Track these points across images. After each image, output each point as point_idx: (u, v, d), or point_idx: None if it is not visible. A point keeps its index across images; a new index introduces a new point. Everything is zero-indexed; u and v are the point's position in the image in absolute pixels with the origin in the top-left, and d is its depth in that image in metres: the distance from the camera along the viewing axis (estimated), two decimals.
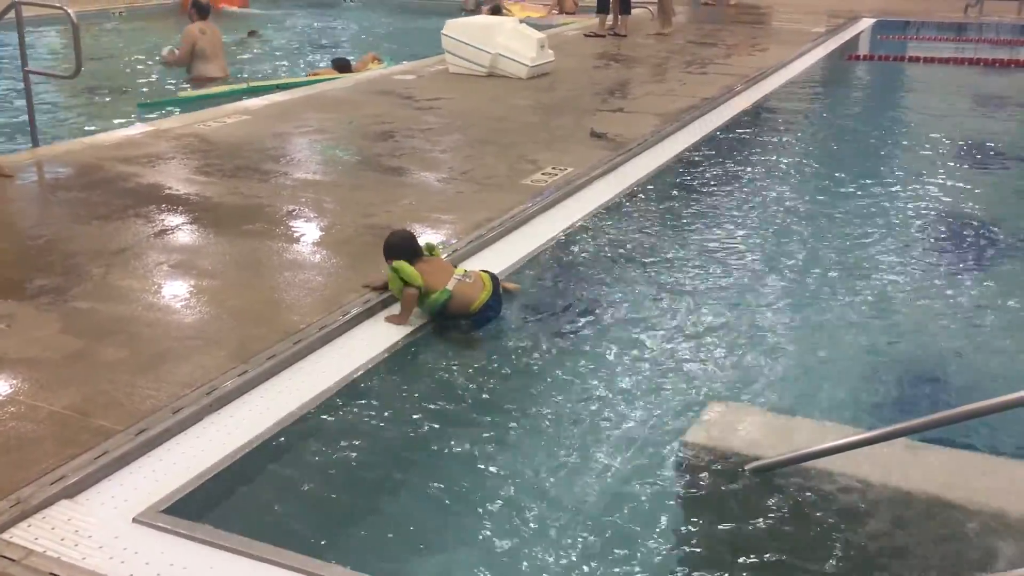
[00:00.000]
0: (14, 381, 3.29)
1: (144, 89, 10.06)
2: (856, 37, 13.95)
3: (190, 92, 9.46)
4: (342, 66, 10.50)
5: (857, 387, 3.64)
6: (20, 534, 2.54)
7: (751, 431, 2.90)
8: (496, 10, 14.09)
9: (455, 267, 4.12)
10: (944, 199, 6.05)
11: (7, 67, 10.96)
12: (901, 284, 4.63)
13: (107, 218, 5.03)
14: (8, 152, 6.94)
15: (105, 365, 3.42)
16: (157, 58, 11.07)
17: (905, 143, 7.80)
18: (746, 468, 2.75)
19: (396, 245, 4.11)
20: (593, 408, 3.41)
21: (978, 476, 2.63)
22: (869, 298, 4.44)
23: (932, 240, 5.34)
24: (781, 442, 2.80)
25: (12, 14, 6.36)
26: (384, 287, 4.10)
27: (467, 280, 4.00)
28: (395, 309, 4.02)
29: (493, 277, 4.10)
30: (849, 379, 3.69)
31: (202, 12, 10.22)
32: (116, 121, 8.29)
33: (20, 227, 4.93)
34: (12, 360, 3.44)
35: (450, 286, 3.94)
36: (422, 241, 4.24)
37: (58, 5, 6.04)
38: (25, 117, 6.82)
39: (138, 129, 7.18)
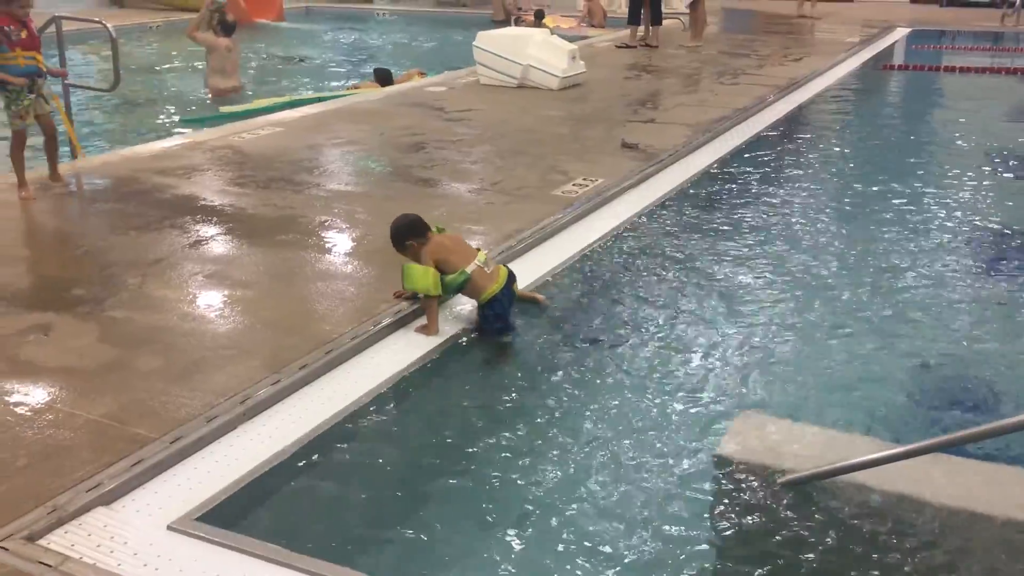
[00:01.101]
0: (52, 389, 3.34)
1: (184, 104, 10.19)
2: (891, 47, 13.84)
3: (233, 108, 9.54)
4: (384, 77, 10.52)
5: (892, 400, 3.59)
6: (57, 540, 2.57)
7: (783, 444, 2.87)
8: (540, 14, 14.23)
9: (479, 251, 4.12)
10: (982, 209, 5.98)
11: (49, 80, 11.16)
12: (936, 296, 4.57)
13: (143, 229, 5.11)
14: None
15: (141, 374, 3.46)
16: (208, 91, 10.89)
17: (941, 153, 7.70)
18: (779, 481, 2.73)
19: (402, 230, 4.04)
20: (623, 420, 3.39)
21: (1016, 490, 2.58)
22: (904, 310, 4.39)
23: (968, 251, 5.27)
24: (814, 455, 2.77)
25: (52, 28, 6.50)
26: (415, 296, 4.12)
27: (486, 269, 4.03)
28: (425, 320, 4.03)
29: (510, 274, 4.12)
30: (884, 392, 3.65)
31: (227, 30, 10.32)
32: (153, 133, 8.41)
33: (59, 238, 5.01)
34: (51, 369, 3.49)
35: (468, 268, 3.97)
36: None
37: (97, 19, 6.15)
38: (64, 129, 6.94)
39: (174, 141, 7.29)
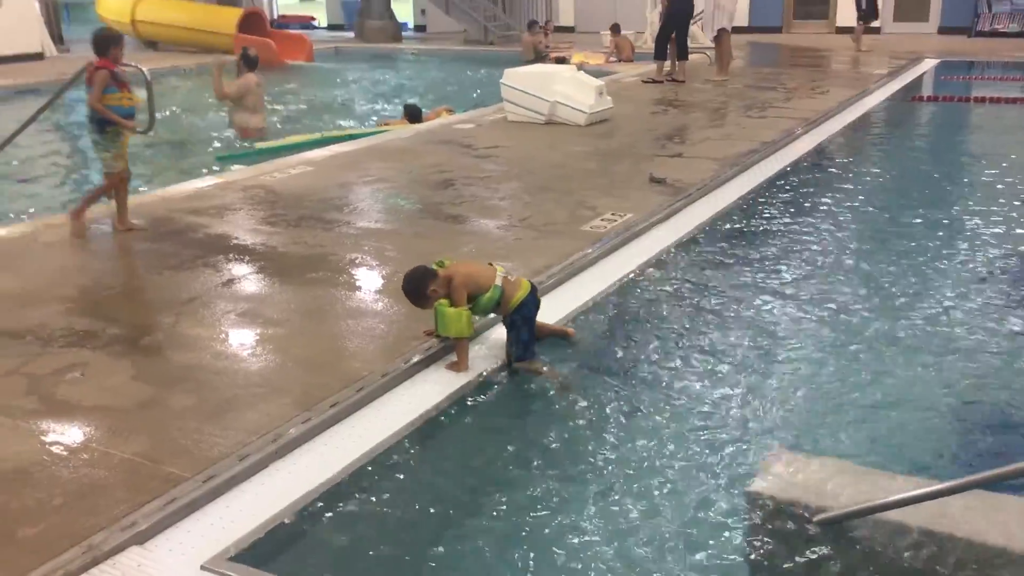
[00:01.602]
0: (88, 428, 3.38)
1: (217, 144, 10.36)
2: (919, 78, 13.79)
3: (266, 144, 9.67)
4: (413, 113, 10.61)
5: (929, 435, 3.54)
6: None
7: (817, 481, 2.84)
8: (562, 60, 14.31)
9: (496, 266, 4.18)
10: (1017, 240, 5.90)
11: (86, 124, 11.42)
12: (972, 329, 4.51)
13: (177, 268, 5.18)
14: None
15: (174, 412, 3.50)
16: (209, 64, 10.80)
17: (973, 184, 7.64)
18: (813, 519, 2.69)
19: (418, 283, 4.01)
20: (652, 458, 3.37)
21: None
22: (940, 342, 4.33)
23: (1004, 282, 5.21)
24: (849, 492, 2.73)
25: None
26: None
27: (510, 278, 4.14)
28: (455, 356, 4.04)
29: (532, 283, 4.21)
30: (920, 427, 3.60)
31: (250, 64, 10.22)
32: (188, 173, 8.55)
33: (95, 277, 5.09)
34: (86, 407, 3.54)
35: (498, 282, 4.05)
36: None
37: (133, 64, 6.28)
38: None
39: (208, 181, 7.40)
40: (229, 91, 10.04)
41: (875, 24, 16.42)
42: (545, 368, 4.05)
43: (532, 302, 4.12)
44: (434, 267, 4.07)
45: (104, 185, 5.85)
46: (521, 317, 4.07)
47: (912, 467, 3.21)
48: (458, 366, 3.98)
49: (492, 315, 4.23)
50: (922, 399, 3.81)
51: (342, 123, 11.70)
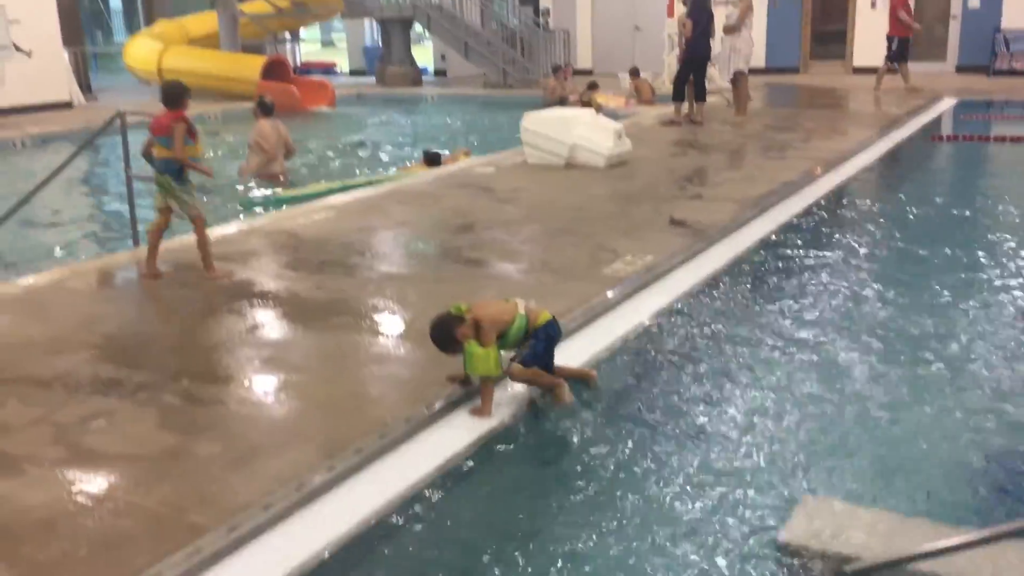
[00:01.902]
0: (113, 477, 3.39)
1: (239, 187, 10.48)
2: (938, 118, 13.78)
3: (290, 192, 9.77)
4: (433, 158, 10.72)
5: (961, 483, 3.49)
6: None
7: (848, 529, 2.80)
8: (587, 103, 14.47)
9: (513, 300, 4.26)
10: None
11: (113, 172, 11.63)
12: (1002, 373, 4.45)
13: (202, 314, 5.22)
14: (111, 252, 7.30)
15: (199, 461, 3.51)
16: (238, 173, 11.14)
17: (998, 224, 7.58)
18: (846, 569, 2.65)
19: (446, 328, 4.05)
20: (679, 505, 3.34)
21: None
22: (970, 387, 4.28)
23: None
24: (882, 542, 2.69)
25: (117, 122, 6.77)
26: (467, 378, 4.14)
27: (531, 306, 4.25)
28: (478, 402, 4.03)
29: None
30: (952, 474, 3.54)
31: (266, 111, 10.37)
32: (213, 220, 8.63)
33: (120, 324, 5.14)
34: (111, 456, 3.55)
35: (521, 311, 4.14)
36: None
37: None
38: (128, 218, 7.17)
39: (232, 227, 7.48)
40: (253, 160, 10.35)
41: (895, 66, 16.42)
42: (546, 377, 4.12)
43: (554, 327, 4.23)
44: (455, 311, 4.08)
45: (200, 229, 5.90)
46: (545, 333, 4.16)
47: (944, 516, 3.16)
48: (482, 411, 3.97)
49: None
50: (953, 445, 3.76)
51: (366, 168, 11.81)
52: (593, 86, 15.56)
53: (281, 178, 10.40)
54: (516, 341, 4.13)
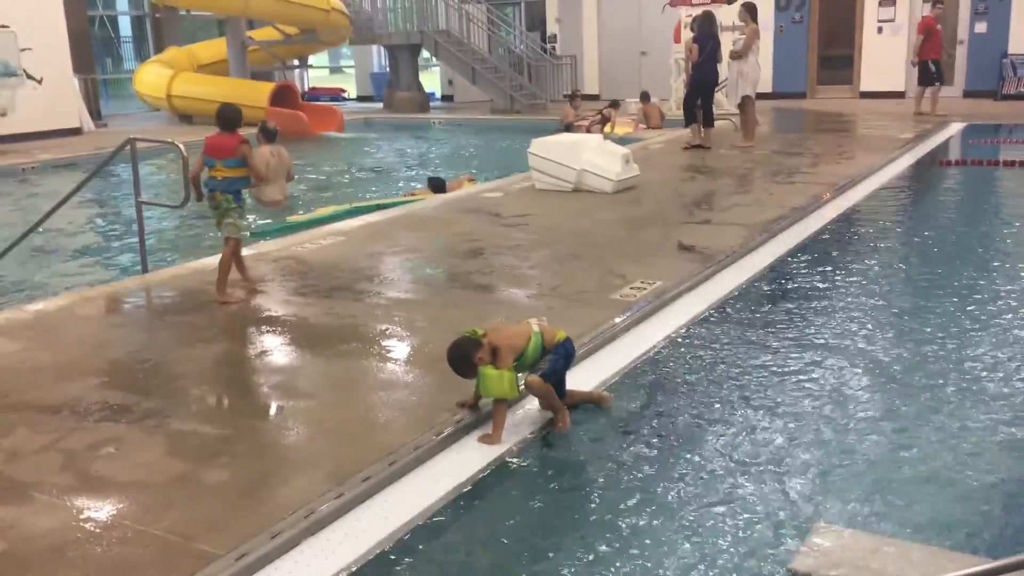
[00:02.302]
0: (121, 505, 3.38)
1: (252, 216, 10.49)
2: (946, 142, 13.79)
3: (299, 217, 9.80)
4: (437, 186, 10.77)
5: (981, 511, 3.44)
6: None
7: (863, 558, 2.77)
8: (607, 118, 14.74)
9: (526, 322, 4.26)
10: None
11: (123, 197, 11.69)
12: (1018, 401, 4.41)
13: (210, 341, 5.22)
14: (119, 279, 7.32)
15: (207, 488, 3.49)
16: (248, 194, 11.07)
17: (1009, 252, 7.54)
18: None
19: (465, 351, 4.04)
20: (691, 532, 3.30)
21: None
22: (986, 414, 4.24)
23: None
24: (898, 571, 2.65)
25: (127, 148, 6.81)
26: (476, 404, 4.12)
27: (544, 324, 4.26)
28: (488, 428, 4.01)
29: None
30: (972, 502, 3.49)
31: (269, 136, 10.41)
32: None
33: (129, 350, 5.14)
34: (120, 483, 3.54)
35: (536, 328, 4.14)
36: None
37: (170, 140, 6.44)
38: (137, 244, 7.19)
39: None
40: (259, 176, 10.22)
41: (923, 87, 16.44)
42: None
43: (571, 344, 4.27)
44: (472, 335, 4.08)
45: (231, 247, 6.14)
46: (564, 349, 4.19)
47: (962, 543, 3.12)
48: (492, 438, 3.95)
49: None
50: (971, 472, 3.71)
51: (373, 188, 11.87)
52: (614, 104, 15.77)
53: (281, 203, 10.44)
54: (533, 360, 4.12)
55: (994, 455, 3.85)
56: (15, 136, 15.95)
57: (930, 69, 16.20)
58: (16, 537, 3.17)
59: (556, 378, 4.18)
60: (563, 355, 4.20)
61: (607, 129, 14.79)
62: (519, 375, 4.08)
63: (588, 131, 13.63)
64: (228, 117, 6.10)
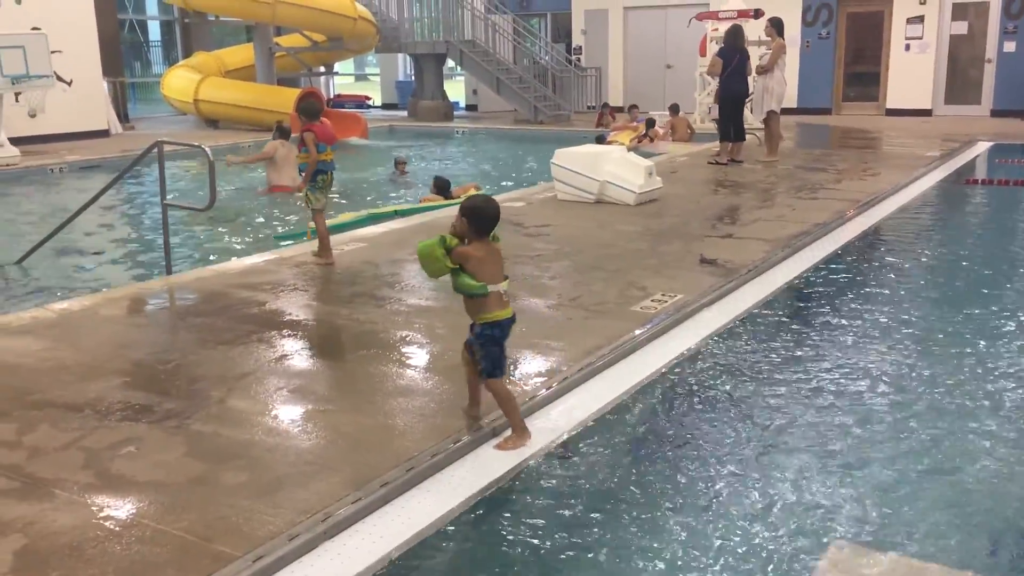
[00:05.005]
0: (141, 504, 3.40)
1: (276, 224, 10.60)
2: (972, 161, 13.67)
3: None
4: (442, 185, 10.87)
5: (1001, 532, 3.40)
6: None
7: None
8: (651, 122, 14.97)
9: (506, 278, 4.03)
10: None
11: (149, 199, 11.80)
12: None
13: (231, 343, 5.25)
14: (144, 279, 7.38)
15: (226, 489, 3.51)
16: (224, 161, 11.61)
17: None
18: None
19: (480, 215, 3.89)
20: (704, 552, 3.28)
21: None
22: (1010, 437, 4.19)
23: None
24: None
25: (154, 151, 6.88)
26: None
27: (504, 296, 3.99)
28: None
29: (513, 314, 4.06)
30: (992, 524, 3.46)
31: (283, 134, 11.82)
32: (245, 249, 8.73)
33: (151, 351, 5.18)
34: (140, 483, 3.56)
35: (490, 288, 3.90)
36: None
37: (196, 143, 6.51)
38: (162, 245, 7.26)
39: (263, 257, 7.54)
40: (252, 159, 12.36)
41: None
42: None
43: (508, 324, 4.01)
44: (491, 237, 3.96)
45: (318, 219, 7.09)
46: (501, 332, 3.96)
47: (982, 566, 3.08)
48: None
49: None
50: (991, 494, 3.68)
51: (393, 199, 11.93)
52: (651, 123, 15.84)
53: (285, 189, 11.49)
54: (458, 288, 3.92)
55: (1018, 480, 3.80)
56: (45, 137, 16.15)
57: None
58: (36, 533, 3.19)
59: (495, 362, 3.96)
60: (503, 335, 3.98)
61: (624, 140, 14.83)
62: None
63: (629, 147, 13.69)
64: (311, 108, 7.05)
